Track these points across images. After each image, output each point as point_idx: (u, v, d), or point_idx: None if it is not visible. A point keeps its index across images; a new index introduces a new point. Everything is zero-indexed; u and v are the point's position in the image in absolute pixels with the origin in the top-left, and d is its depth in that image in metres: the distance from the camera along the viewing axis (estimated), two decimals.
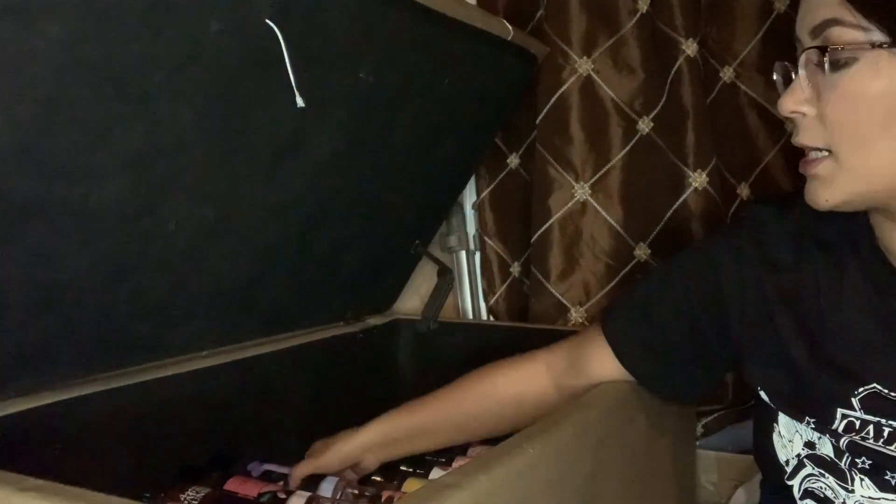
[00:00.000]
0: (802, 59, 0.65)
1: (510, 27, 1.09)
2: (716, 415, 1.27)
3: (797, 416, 0.75)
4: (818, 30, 0.63)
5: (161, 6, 0.64)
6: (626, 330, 0.86)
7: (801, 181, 0.72)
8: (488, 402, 0.92)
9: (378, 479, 0.99)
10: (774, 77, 0.71)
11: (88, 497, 0.56)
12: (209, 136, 0.77)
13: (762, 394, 0.78)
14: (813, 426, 0.74)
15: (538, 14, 1.34)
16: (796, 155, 1.40)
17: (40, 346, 0.78)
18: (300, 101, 0.78)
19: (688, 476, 1.13)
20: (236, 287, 0.96)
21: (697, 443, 1.23)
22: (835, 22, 0.62)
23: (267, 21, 0.72)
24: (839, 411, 0.71)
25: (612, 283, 1.30)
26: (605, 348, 0.87)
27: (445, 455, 1.04)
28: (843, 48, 0.62)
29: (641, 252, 1.29)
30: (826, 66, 0.62)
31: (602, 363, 0.87)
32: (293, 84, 0.77)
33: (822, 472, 0.75)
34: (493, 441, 1.03)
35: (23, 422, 0.78)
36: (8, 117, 0.60)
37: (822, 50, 0.63)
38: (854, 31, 0.61)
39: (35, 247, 0.70)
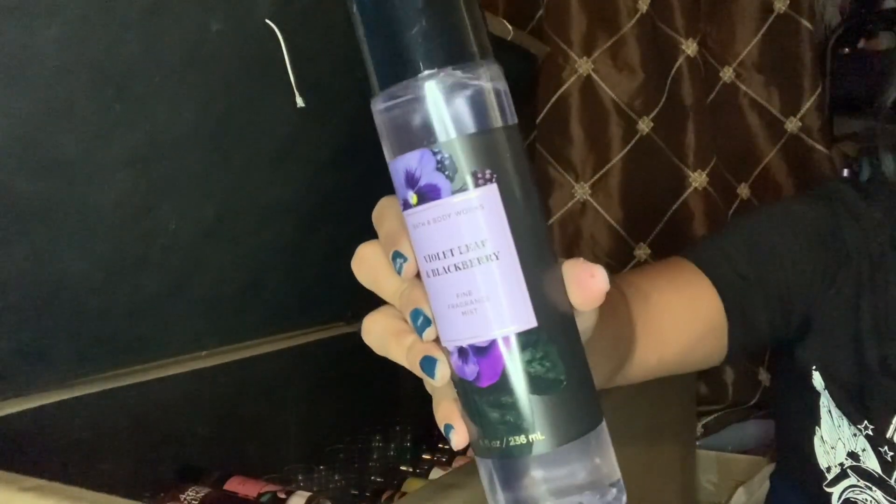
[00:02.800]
0: None
1: (510, 27, 1.09)
2: (716, 415, 1.27)
3: (854, 415, 0.72)
4: None
5: (161, 6, 0.64)
6: (723, 251, 0.74)
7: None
8: None
9: (378, 478, 0.99)
10: None
11: (88, 497, 0.56)
12: (209, 136, 0.77)
13: (816, 374, 0.74)
14: (870, 432, 0.71)
15: (538, 14, 1.34)
16: (796, 155, 1.40)
17: (40, 346, 0.78)
18: (300, 101, 0.78)
19: (688, 476, 1.13)
20: (236, 287, 0.96)
21: (697, 443, 1.23)
22: None
23: (267, 21, 0.72)
24: None
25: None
26: (683, 271, 0.72)
27: (446, 455, 1.04)
28: None
29: (641, 252, 1.29)
30: None
31: (679, 284, 0.72)
32: (293, 84, 0.77)
33: (869, 485, 0.73)
34: None
35: (23, 422, 0.78)
36: (8, 117, 0.60)
37: None
38: None
39: (35, 247, 0.70)
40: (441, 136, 0.32)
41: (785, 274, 0.73)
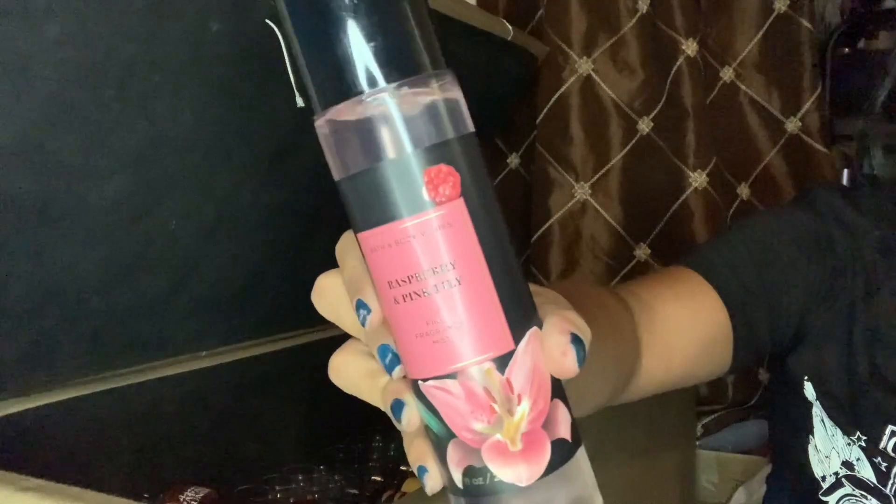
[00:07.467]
0: None
1: (510, 27, 1.09)
2: (716, 415, 1.27)
3: (846, 426, 0.72)
4: None
5: (161, 6, 0.64)
6: (728, 262, 0.72)
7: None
8: None
9: (378, 478, 0.99)
10: None
11: (88, 497, 0.56)
12: (209, 136, 0.77)
13: (808, 385, 0.73)
14: (863, 444, 0.71)
15: (538, 14, 1.34)
16: (796, 155, 1.40)
17: (40, 346, 0.78)
18: (300, 101, 0.78)
19: (688, 476, 1.13)
20: (236, 287, 0.96)
21: (697, 443, 1.23)
22: None
23: (267, 21, 0.72)
24: (889, 428, 0.68)
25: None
26: (687, 282, 0.71)
27: None
28: None
29: (641, 252, 1.29)
30: None
31: (682, 298, 0.71)
32: (293, 84, 0.77)
33: (865, 494, 0.72)
34: None
35: (23, 422, 0.78)
36: (8, 117, 0.60)
37: None
38: None
39: (35, 247, 0.70)
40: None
41: (788, 287, 0.72)
